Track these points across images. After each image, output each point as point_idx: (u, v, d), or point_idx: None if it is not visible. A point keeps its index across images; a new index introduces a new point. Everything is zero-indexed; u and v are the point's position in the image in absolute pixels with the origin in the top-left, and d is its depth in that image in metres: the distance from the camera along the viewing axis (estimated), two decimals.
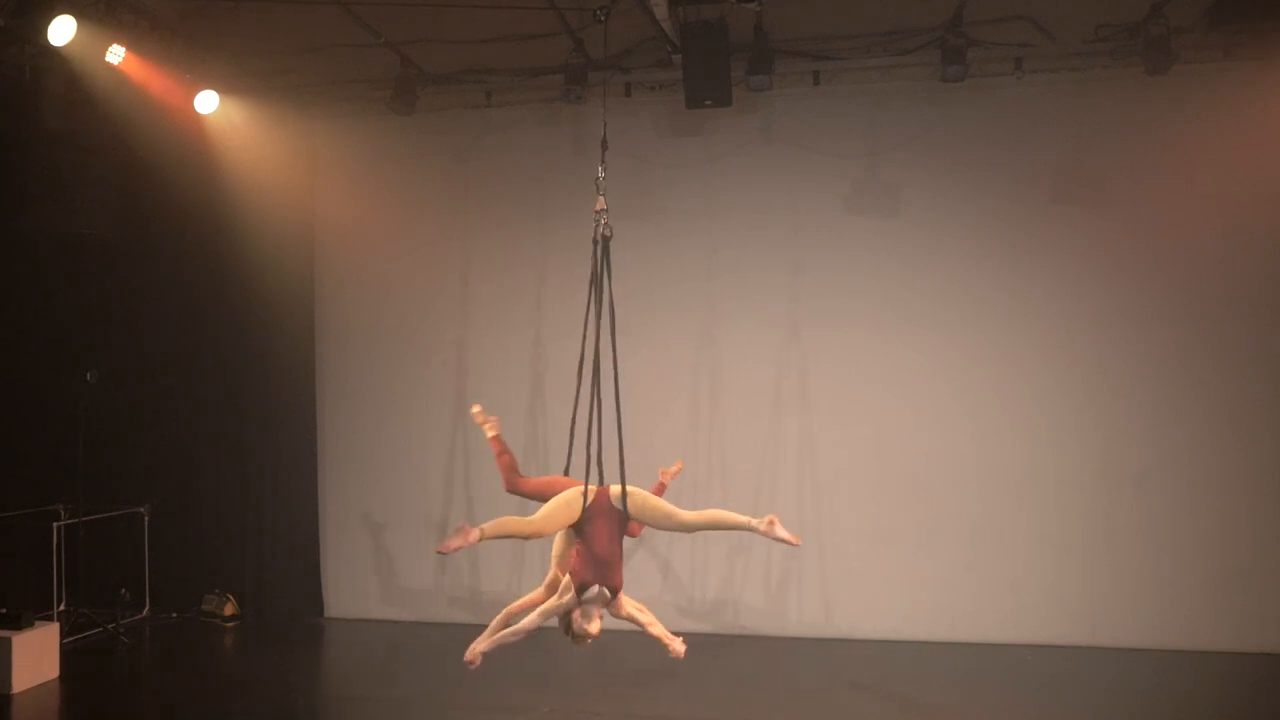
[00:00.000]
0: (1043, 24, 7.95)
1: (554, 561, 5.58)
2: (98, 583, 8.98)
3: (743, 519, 5.11)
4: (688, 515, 5.27)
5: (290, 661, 8.43)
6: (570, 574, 5.11)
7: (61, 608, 8.65)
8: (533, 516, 5.20)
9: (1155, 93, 8.06)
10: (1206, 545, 8.16)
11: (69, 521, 8.86)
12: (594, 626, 5.06)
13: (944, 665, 7.98)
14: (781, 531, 5.04)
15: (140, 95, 8.11)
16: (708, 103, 7.70)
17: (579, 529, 5.13)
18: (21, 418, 9.36)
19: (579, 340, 5.49)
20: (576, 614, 5.05)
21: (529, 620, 5.20)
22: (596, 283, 5.45)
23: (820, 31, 8.16)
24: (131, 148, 8.65)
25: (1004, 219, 8.52)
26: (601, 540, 5.10)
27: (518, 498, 5.79)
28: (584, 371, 5.45)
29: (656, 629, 5.39)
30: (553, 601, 5.17)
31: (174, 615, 9.44)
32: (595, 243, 5.50)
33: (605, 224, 5.49)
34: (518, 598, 5.76)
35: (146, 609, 9.36)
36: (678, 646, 5.40)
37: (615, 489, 5.22)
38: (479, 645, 5.26)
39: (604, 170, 5.61)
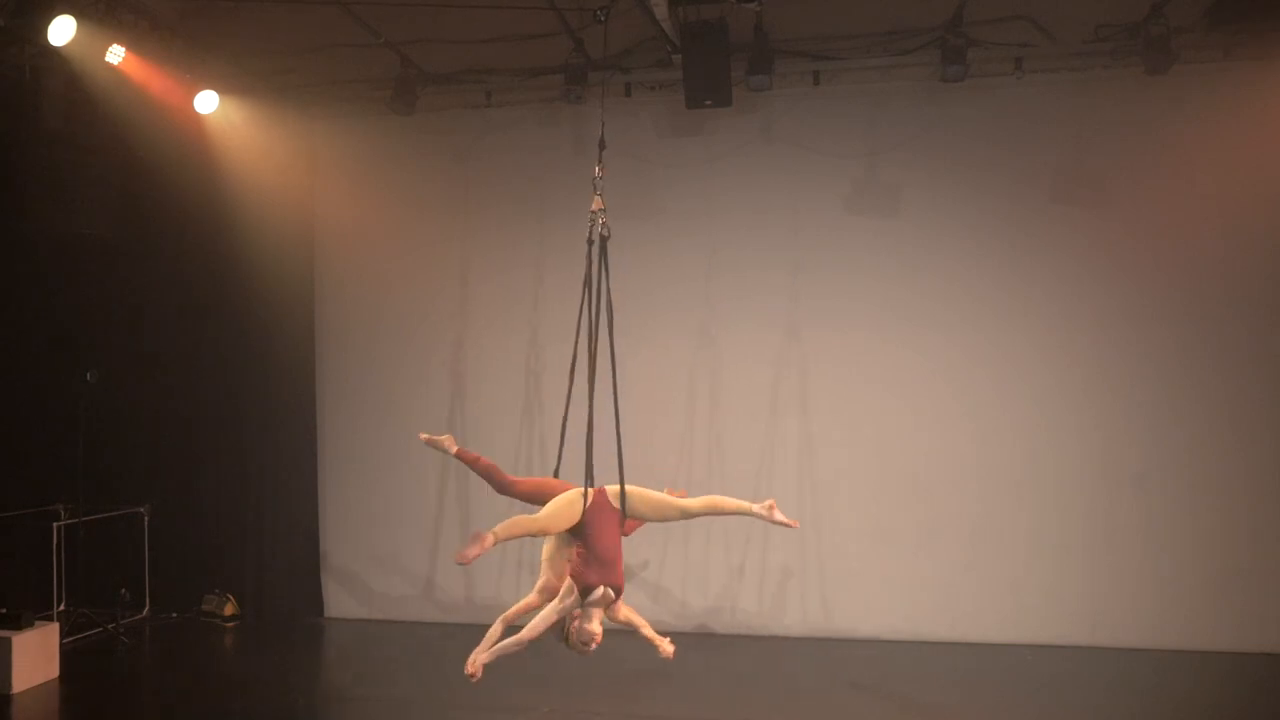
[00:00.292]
0: (1043, 24, 7.95)
1: (545, 565, 5.52)
2: (98, 583, 8.98)
3: (742, 504, 5.29)
4: (687, 502, 5.37)
5: (290, 661, 8.43)
6: (573, 577, 5.08)
7: (61, 608, 8.66)
8: (538, 515, 5.18)
9: (1155, 93, 8.06)
10: (1206, 545, 8.16)
11: (69, 521, 8.85)
12: (598, 629, 5.04)
13: (944, 665, 7.98)
14: (780, 515, 5.23)
15: (140, 95, 8.12)
16: (708, 103, 7.70)
17: (578, 531, 5.12)
18: (21, 418, 9.37)
19: (576, 340, 5.48)
20: (578, 620, 5.02)
21: (531, 628, 5.15)
22: (590, 283, 5.44)
23: (820, 31, 8.16)
24: (131, 148, 8.65)
25: (1004, 219, 8.52)
26: (604, 540, 5.10)
27: (508, 497, 5.74)
28: (576, 371, 5.44)
29: (647, 630, 5.50)
30: (554, 606, 5.12)
31: (174, 615, 9.44)
32: (590, 243, 5.49)
33: (604, 224, 5.48)
34: (517, 598, 5.74)
35: (146, 609, 9.36)
36: (667, 647, 5.52)
37: (611, 488, 5.22)
38: (480, 656, 5.19)
39: (602, 170, 5.60)
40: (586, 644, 5.07)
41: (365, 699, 7.45)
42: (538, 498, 5.40)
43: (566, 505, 5.14)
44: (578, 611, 5.06)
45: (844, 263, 8.73)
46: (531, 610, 5.37)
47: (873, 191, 8.68)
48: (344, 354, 9.57)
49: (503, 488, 5.58)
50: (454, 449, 5.70)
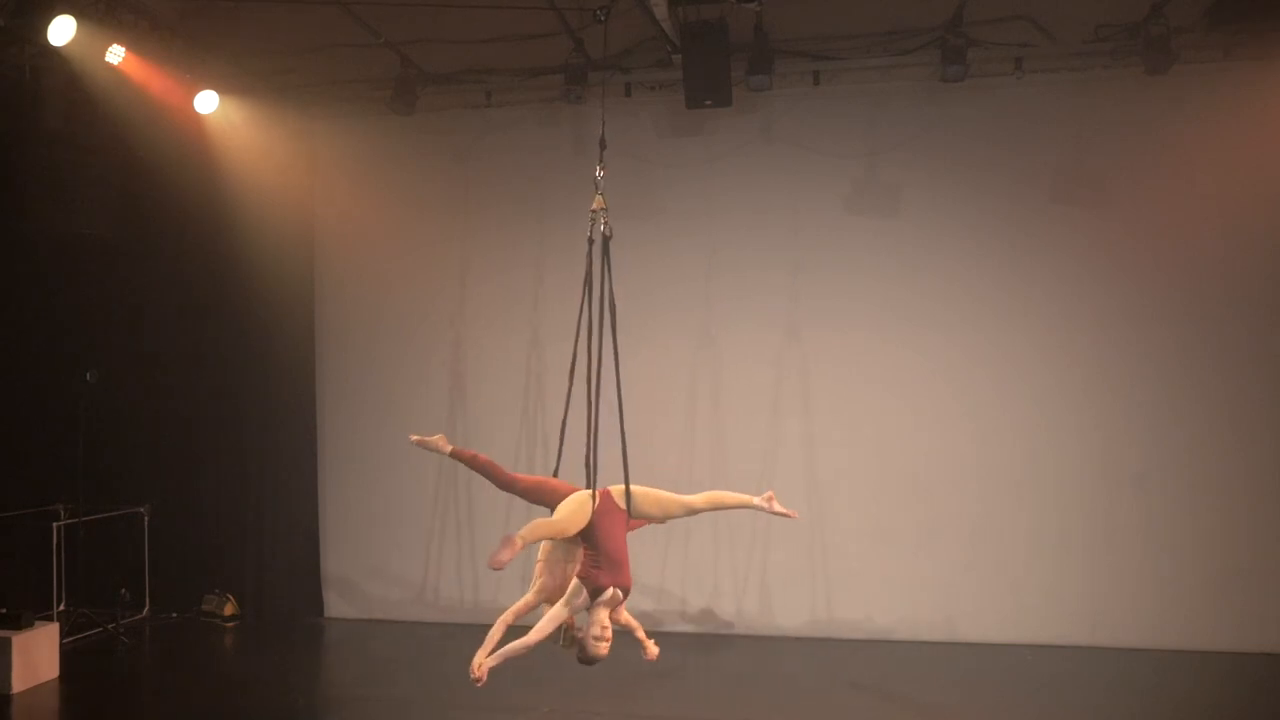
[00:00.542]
0: (1043, 24, 7.95)
1: (541, 567, 5.45)
2: (98, 583, 8.98)
3: (743, 497, 5.45)
4: (691, 499, 5.41)
5: (290, 661, 8.43)
6: (581, 578, 5.07)
7: (61, 608, 8.66)
8: (556, 518, 5.15)
9: (1155, 93, 8.06)
10: (1206, 545, 8.16)
11: (69, 521, 8.86)
12: (607, 631, 5.03)
13: (944, 665, 7.98)
14: (779, 506, 5.43)
15: (140, 95, 8.12)
16: (708, 103, 7.70)
17: (587, 532, 5.12)
18: (21, 418, 9.37)
19: (575, 340, 5.48)
20: (587, 633, 5.00)
21: (539, 629, 5.08)
22: (590, 282, 5.44)
23: (820, 31, 8.16)
24: (131, 148, 8.65)
25: (1004, 219, 8.52)
26: (613, 541, 5.12)
27: (507, 495, 5.71)
28: (575, 372, 5.43)
29: (640, 632, 5.52)
30: (560, 607, 5.09)
31: (174, 615, 9.44)
32: (590, 242, 5.49)
33: (606, 224, 5.48)
34: (516, 598, 5.71)
35: (146, 609, 9.36)
36: (653, 649, 5.54)
37: (616, 489, 5.23)
38: (487, 661, 5.11)
39: (603, 170, 5.60)
40: (597, 649, 5.04)
41: (365, 699, 7.45)
42: (538, 496, 5.40)
43: (579, 506, 5.15)
44: (576, 625, 5.05)
45: (844, 263, 8.73)
46: (529, 611, 5.35)
47: (873, 191, 8.68)
48: (344, 354, 9.57)
49: (504, 484, 5.53)
50: (448, 449, 5.62)
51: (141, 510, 9.36)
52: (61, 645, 7.78)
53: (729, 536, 8.76)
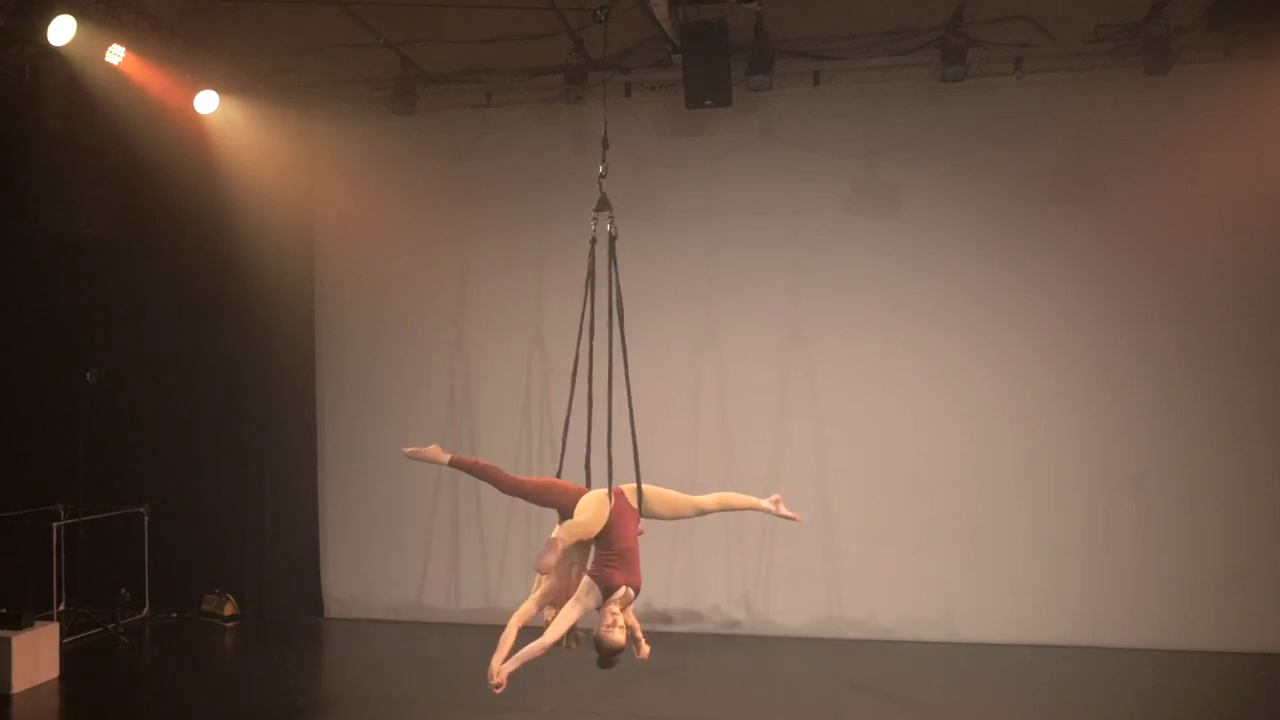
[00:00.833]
0: (1043, 24, 7.96)
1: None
2: (98, 583, 8.98)
3: (750, 499, 5.56)
4: (701, 500, 5.48)
5: (290, 661, 8.43)
6: (594, 576, 5.08)
7: (61, 608, 8.66)
8: (584, 519, 5.12)
9: (1155, 93, 8.06)
10: (1206, 545, 8.16)
11: (69, 521, 8.86)
12: (618, 619, 5.03)
13: (944, 665, 7.98)
14: (785, 509, 5.55)
15: (140, 95, 8.12)
16: (708, 103, 7.70)
17: (602, 532, 5.13)
18: (21, 418, 9.37)
19: (579, 340, 5.48)
20: (602, 618, 5.00)
21: (554, 630, 5.06)
22: (592, 281, 5.45)
23: (820, 31, 8.16)
24: (131, 148, 8.65)
25: (1004, 219, 8.52)
26: (627, 540, 5.15)
27: (508, 497, 5.68)
28: (579, 372, 5.44)
29: (639, 631, 5.49)
30: (572, 606, 5.08)
31: (174, 615, 9.44)
32: (592, 241, 5.50)
33: (612, 224, 5.50)
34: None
35: (146, 609, 9.37)
36: (645, 648, 5.49)
37: (626, 488, 5.26)
38: (506, 666, 5.02)
39: (605, 169, 5.61)
40: (614, 650, 5.04)
41: (365, 699, 7.45)
42: (545, 498, 5.41)
43: (599, 505, 5.17)
44: (579, 626, 5.05)
45: (844, 263, 8.73)
46: (537, 614, 5.32)
47: (873, 191, 8.68)
48: (344, 354, 9.58)
49: (509, 488, 5.47)
50: (445, 458, 5.42)
51: (141, 510, 9.36)
52: (61, 645, 7.78)
53: (729, 537, 8.76)
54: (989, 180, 8.53)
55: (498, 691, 5.03)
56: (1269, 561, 8.07)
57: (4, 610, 7.40)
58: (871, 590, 8.63)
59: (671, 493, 5.39)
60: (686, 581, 8.91)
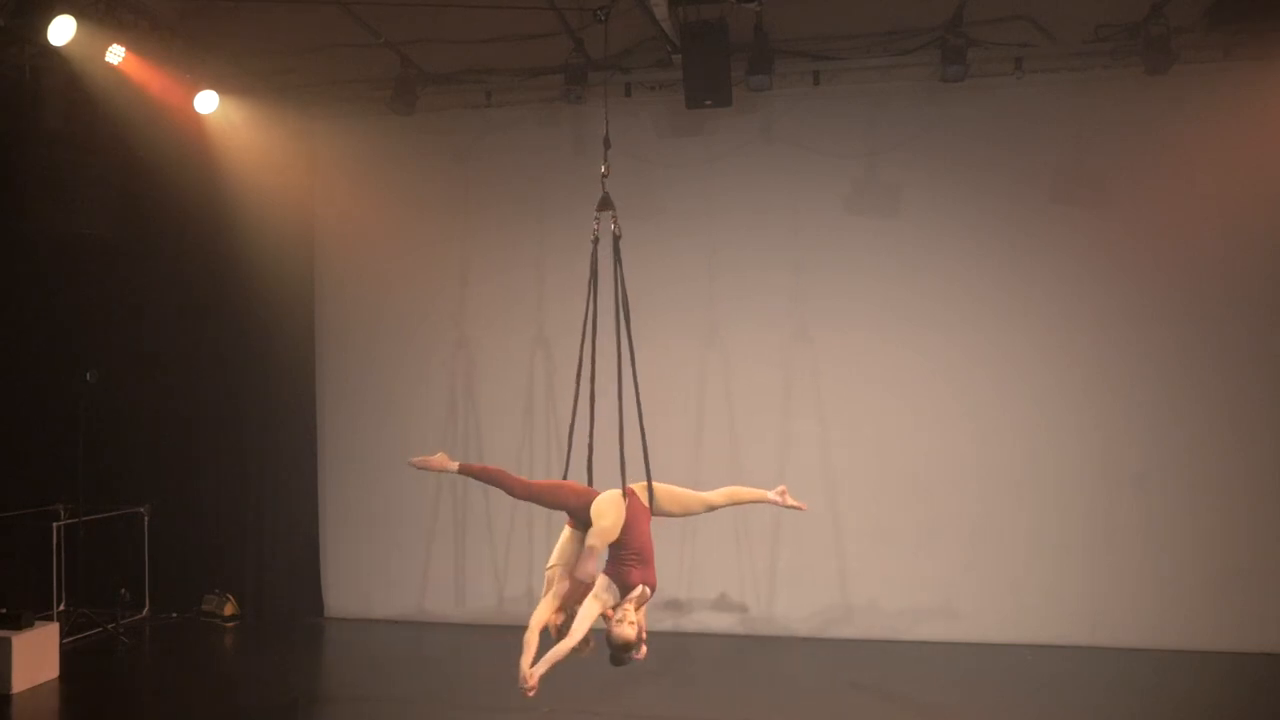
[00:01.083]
0: (1043, 24, 7.95)
1: (562, 571, 5.38)
2: (98, 583, 8.98)
3: (757, 492, 5.59)
4: (709, 496, 5.52)
5: (290, 661, 8.43)
6: (612, 575, 5.12)
7: (61, 608, 8.66)
8: (609, 522, 5.16)
9: (1155, 93, 8.06)
10: (1206, 545, 8.16)
11: (69, 521, 8.86)
12: (630, 615, 5.04)
13: (944, 665, 7.98)
14: (791, 499, 5.60)
15: (140, 95, 8.11)
16: (708, 103, 7.70)
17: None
18: (21, 418, 9.37)
19: (580, 340, 5.48)
20: (620, 624, 5.01)
21: (577, 629, 5.09)
22: (596, 279, 5.47)
23: (820, 31, 8.16)
24: (131, 148, 8.65)
25: (1004, 219, 8.52)
26: (642, 539, 5.20)
27: (509, 497, 5.65)
28: (583, 373, 5.45)
29: (644, 633, 5.47)
30: (591, 605, 5.12)
31: (174, 615, 9.44)
32: (595, 240, 5.52)
33: (616, 224, 5.53)
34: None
35: (146, 609, 9.37)
36: (643, 649, 5.48)
37: (636, 486, 5.31)
38: (536, 669, 5.04)
39: (607, 169, 5.62)
40: (629, 647, 5.04)
41: (365, 699, 7.45)
42: (556, 499, 5.43)
43: (618, 507, 5.21)
44: (621, 611, 5.08)
45: (844, 263, 8.73)
46: (552, 614, 5.31)
47: (873, 191, 8.68)
48: (344, 354, 9.57)
49: (519, 491, 5.43)
50: (453, 466, 5.35)
51: (141, 510, 9.36)
52: (61, 645, 7.78)
53: (729, 537, 8.75)
54: (989, 180, 8.52)
55: (530, 695, 5.06)
56: (1269, 561, 8.06)
57: (4, 610, 7.40)
58: (871, 590, 8.62)
59: (681, 490, 5.46)
60: (687, 581, 8.90)
